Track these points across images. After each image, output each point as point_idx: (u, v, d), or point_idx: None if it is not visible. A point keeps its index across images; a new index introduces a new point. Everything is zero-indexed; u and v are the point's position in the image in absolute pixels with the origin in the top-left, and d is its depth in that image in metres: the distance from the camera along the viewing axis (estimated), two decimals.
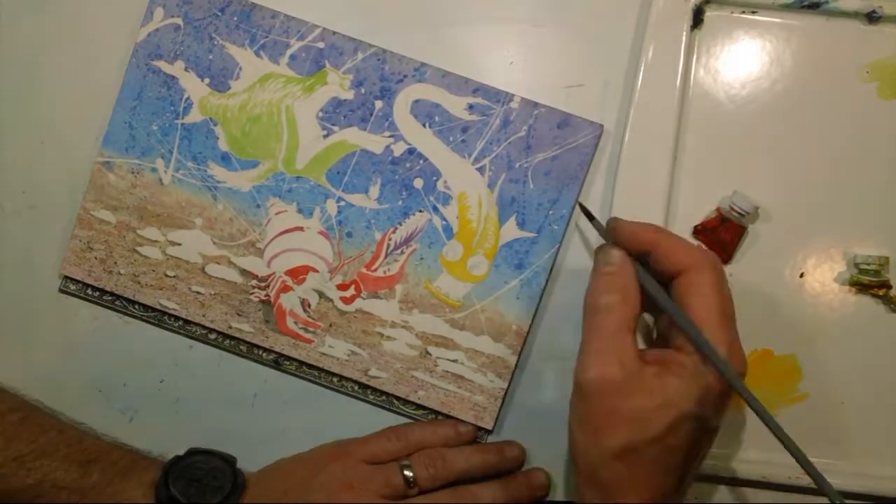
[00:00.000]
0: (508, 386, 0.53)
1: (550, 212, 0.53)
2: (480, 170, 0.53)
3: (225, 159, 0.53)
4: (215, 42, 0.53)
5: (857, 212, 0.53)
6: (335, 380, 0.54)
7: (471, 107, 0.53)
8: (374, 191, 0.53)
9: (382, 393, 0.54)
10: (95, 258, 0.53)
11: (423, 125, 0.53)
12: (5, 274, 0.55)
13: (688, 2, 0.52)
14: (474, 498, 0.51)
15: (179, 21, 0.53)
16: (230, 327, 0.53)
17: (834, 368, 0.53)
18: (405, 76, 0.53)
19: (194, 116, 0.53)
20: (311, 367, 0.54)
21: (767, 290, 0.53)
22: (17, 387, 0.54)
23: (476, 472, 0.52)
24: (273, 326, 0.53)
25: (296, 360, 0.54)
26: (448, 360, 0.53)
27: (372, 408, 0.54)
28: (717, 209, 0.53)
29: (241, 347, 0.54)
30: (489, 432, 0.54)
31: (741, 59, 0.53)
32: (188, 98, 0.53)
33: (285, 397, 0.55)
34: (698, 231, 0.53)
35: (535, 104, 0.53)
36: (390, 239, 0.53)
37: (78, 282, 0.54)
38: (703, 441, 0.45)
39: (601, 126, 0.53)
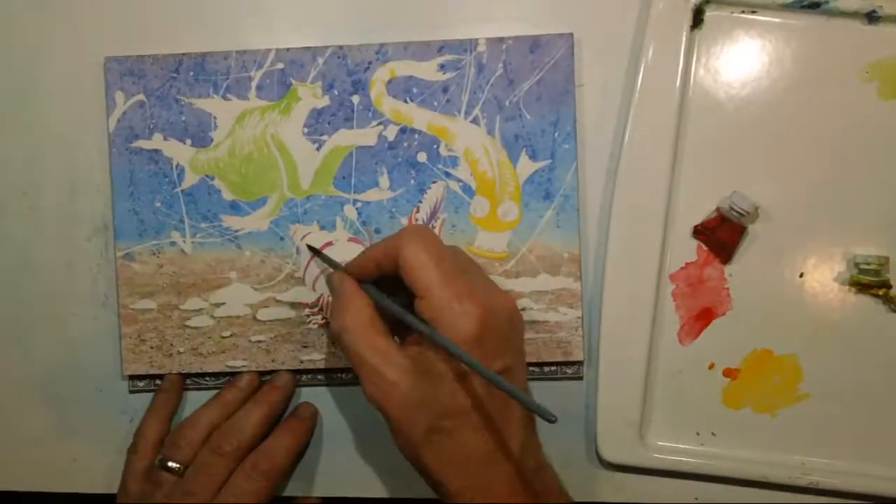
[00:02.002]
0: (583, 312, 0.53)
1: (556, 133, 0.52)
2: (475, 121, 0.53)
3: (234, 207, 0.53)
4: (182, 103, 0.53)
5: (857, 212, 0.53)
6: None
7: (442, 66, 0.53)
8: (384, 181, 0.53)
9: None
10: (151, 347, 0.53)
11: (405, 101, 0.53)
12: (5, 274, 0.55)
13: (688, 2, 0.52)
14: (240, 431, 0.51)
15: (142, 97, 0.53)
16: (301, 362, 0.53)
17: (834, 368, 0.53)
18: (370, 63, 0.53)
19: (190, 179, 0.53)
20: None
21: (767, 290, 0.53)
22: (17, 387, 0.55)
23: (258, 423, 0.52)
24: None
25: None
26: None
27: None
28: (717, 209, 0.53)
29: (319, 377, 0.54)
30: (581, 364, 0.54)
31: (741, 59, 0.53)
32: (178, 164, 0.53)
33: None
34: (698, 231, 0.53)
35: (501, 39, 0.52)
36: (417, 219, 0.53)
37: (143, 376, 0.54)
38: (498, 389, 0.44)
39: (571, 35, 0.53)
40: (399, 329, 0.47)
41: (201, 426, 0.52)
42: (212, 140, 0.53)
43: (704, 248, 0.53)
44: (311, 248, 0.53)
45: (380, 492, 0.55)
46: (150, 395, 0.55)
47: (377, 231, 0.53)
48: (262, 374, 0.54)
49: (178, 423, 0.53)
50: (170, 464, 0.51)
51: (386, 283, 0.47)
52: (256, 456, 0.51)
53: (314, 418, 0.54)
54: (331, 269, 0.51)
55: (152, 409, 0.54)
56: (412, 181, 0.53)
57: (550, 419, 0.41)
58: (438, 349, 0.44)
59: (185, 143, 0.53)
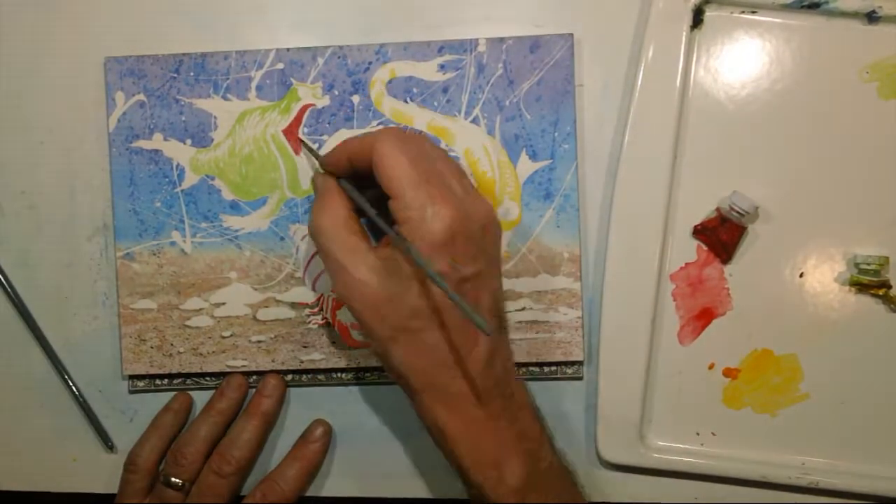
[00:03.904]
0: (583, 312, 0.53)
1: (556, 134, 0.52)
2: (475, 121, 0.53)
3: (234, 207, 0.53)
4: (182, 103, 0.53)
5: (857, 212, 0.53)
6: None
7: (442, 66, 0.53)
8: None
9: None
10: (151, 347, 0.53)
11: (405, 101, 0.53)
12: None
13: (688, 2, 0.52)
14: (238, 449, 0.52)
15: (142, 97, 0.53)
16: (301, 362, 0.53)
17: (834, 368, 0.53)
18: (370, 63, 0.53)
19: (190, 179, 0.53)
20: None
21: (767, 290, 0.53)
22: (17, 386, 0.55)
23: (255, 438, 0.53)
24: (341, 345, 0.53)
25: (375, 368, 0.54)
26: (516, 310, 0.53)
27: None
28: (717, 209, 0.53)
29: (319, 377, 0.54)
30: (581, 363, 0.54)
31: (741, 59, 0.53)
32: (178, 164, 0.53)
33: (285, 397, 0.55)
34: (698, 231, 0.53)
35: (502, 39, 0.52)
36: None
37: (143, 376, 0.54)
38: (467, 286, 0.44)
39: (571, 35, 0.53)
40: (377, 229, 0.47)
41: (199, 442, 0.52)
42: (212, 140, 0.53)
43: (704, 248, 0.53)
44: (302, 141, 0.53)
45: (380, 492, 0.55)
46: (150, 395, 0.55)
47: None
48: (259, 373, 0.54)
49: (176, 441, 0.53)
50: (173, 479, 0.52)
51: (367, 182, 0.47)
52: (266, 485, 0.53)
53: (326, 437, 0.54)
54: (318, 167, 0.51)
55: (157, 428, 0.54)
56: None
57: (484, 330, 0.42)
58: (401, 252, 0.44)
59: (185, 143, 0.53)
